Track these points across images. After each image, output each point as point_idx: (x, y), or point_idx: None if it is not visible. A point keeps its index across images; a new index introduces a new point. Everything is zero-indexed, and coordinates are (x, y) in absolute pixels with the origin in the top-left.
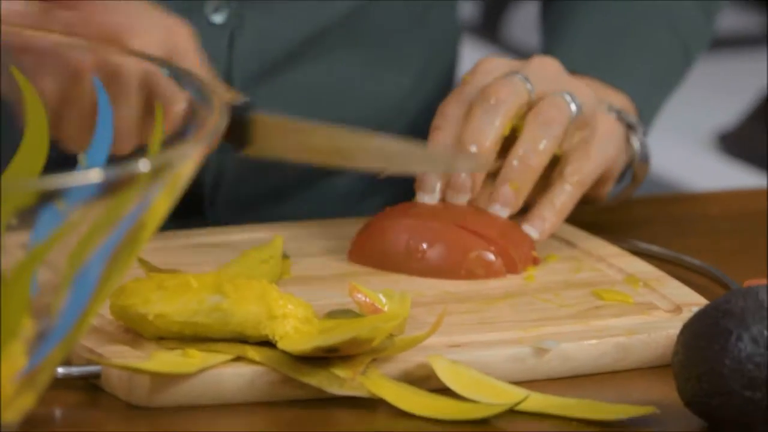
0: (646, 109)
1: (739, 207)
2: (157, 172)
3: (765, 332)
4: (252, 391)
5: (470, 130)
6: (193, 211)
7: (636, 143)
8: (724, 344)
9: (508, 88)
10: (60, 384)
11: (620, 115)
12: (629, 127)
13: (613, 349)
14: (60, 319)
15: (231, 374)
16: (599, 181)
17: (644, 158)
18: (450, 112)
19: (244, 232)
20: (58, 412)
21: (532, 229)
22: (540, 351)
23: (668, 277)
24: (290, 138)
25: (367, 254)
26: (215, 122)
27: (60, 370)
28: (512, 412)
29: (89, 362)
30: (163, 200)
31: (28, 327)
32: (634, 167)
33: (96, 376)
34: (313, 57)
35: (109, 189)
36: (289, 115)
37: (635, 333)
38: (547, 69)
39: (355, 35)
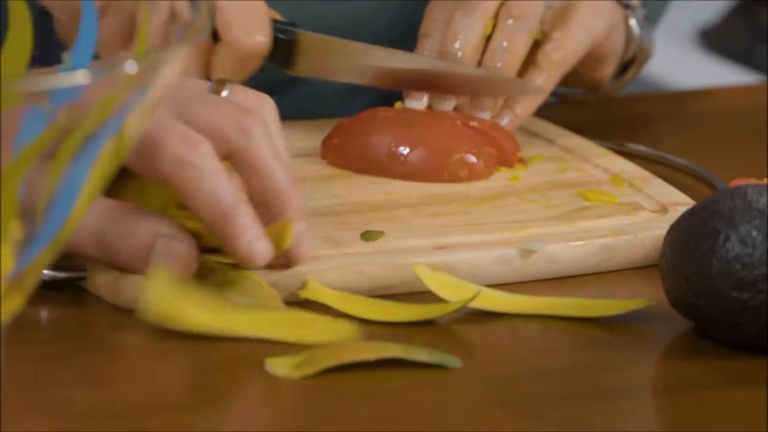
0: None
1: (723, 104)
2: (143, 73)
3: (753, 232)
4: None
5: (451, 35)
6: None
7: (634, 23)
8: (711, 244)
9: None
10: (46, 286)
11: None
12: (627, 8)
13: (599, 250)
14: (47, 222)
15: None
16: (594, 63)
17: (644, 39)
18: (436, 16)
19: None
20: (44, 315)
21: (504, 118)
22: (526, 252)
23: (653, 176)
24: (334, 58)
25: (346, 156)
26: (200, 24)
27: (46, 272)
28: (498, 315)
29: (75, 264)
30: (149, 102)
31: (15, 230)
32: (635, 50)
33: (82, 278)
34: None
35: (95, 90)
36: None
37: (621, 234)
38: None
39: None
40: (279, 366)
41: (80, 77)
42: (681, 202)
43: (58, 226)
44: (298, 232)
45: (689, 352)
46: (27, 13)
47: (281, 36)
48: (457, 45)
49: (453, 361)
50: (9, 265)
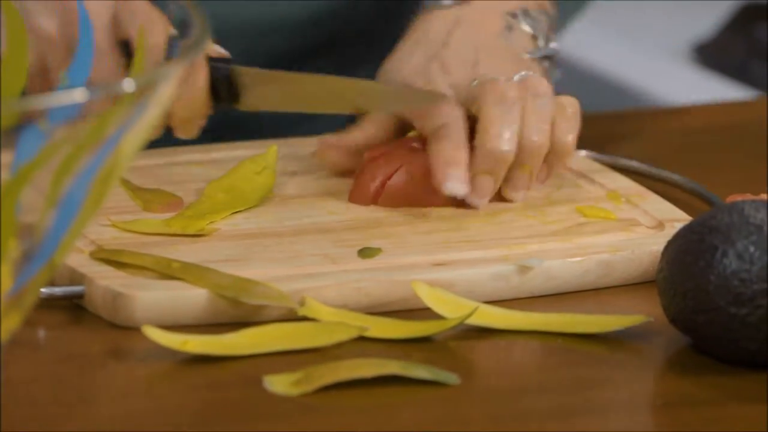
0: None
1: (718, 120)
2: (141, 92)
3: (750, 248)
4: (236, 311)
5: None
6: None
7: (546, 65)
8: (709, 260)
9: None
10: (44, 305)
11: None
12: (545, 58)
13: (596, 267)
14: (45, 240)
15: (216, 295)
16: None
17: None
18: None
19: (227, 149)
20: (42, 333)
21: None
22: (524, 269)
23: (650, 192)
24: (276, 88)
25: (393, 198)
26: (198, 42)
27: (44, 290)
28: (496, 331)
29: (72, 282)
30: (147, 120)
31: (13, 248)
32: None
33: (80, 296)
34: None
35: (93, 108)
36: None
37: (619, 250)
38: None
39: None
40: (277, 383)
41: (78, 95)
42: (678, 218)
43: (56, 244)
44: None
45: (687, 368)
46: (24, 29)
47: (218, 75)
48: (507, 137)
49: (451, 377)
50: (7, 283)
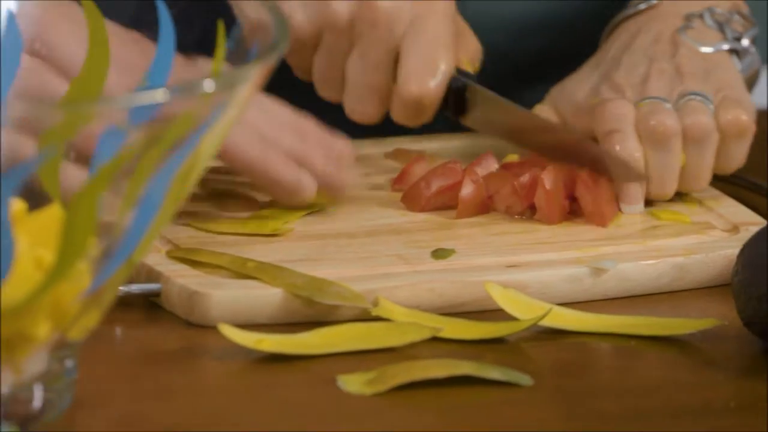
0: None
1: None
2: (220, 93)
3: None
4: (310, 311)
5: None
6: None
7: (739, 66)
8: None
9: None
10: (121, 302)
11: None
12: (735, 53)
13: (670, 269)
14: (124, 239)
15: (291, 294)
16: None
17: (752, 67)
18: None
19: None
20: (119, 330)
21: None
22: (597, 271)
23: (724, 195)
24: (498, 115)
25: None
26: (277, 44)
27: (121, 288)
28: (569, 333)
29: (149, 280)
30: (226, 121)
31: (93, 247)
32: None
33: (156, 294)
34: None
35: (173, 108)
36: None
37: (693, 253)
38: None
39: None
40: (351, 383)
41: (158, 96)
42: (753, 222)
43: (135, 243)
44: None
45: (762, 371)
46: (105, 31)
47: (453, 86)
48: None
49: (524, 379)
50: (86, 281)
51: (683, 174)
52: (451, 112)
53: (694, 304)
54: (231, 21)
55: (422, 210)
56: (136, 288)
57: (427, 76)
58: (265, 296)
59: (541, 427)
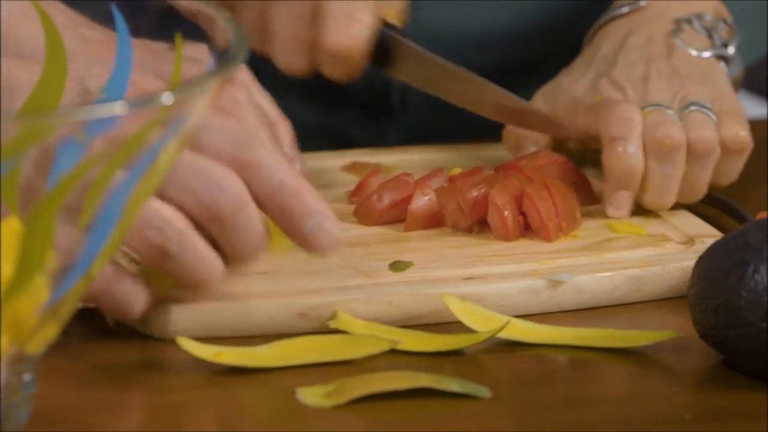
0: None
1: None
2: (179, 104)
3: None
4: (269, 323)
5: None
6: (383, 114)
7: (726, 70)
8: (741, 276)
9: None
10: (79, 315)
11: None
12: (723, 60)
13: (627, 282)
14: (83, 252)
15: (249, 307)
16: None
17: (736, 74)
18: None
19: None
20: (77, 344)
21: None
22: (554, 283)
23: (679, 208)
24: (424, 69)
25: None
26: (236, 54)
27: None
28: (527, 345)
29: None
30: (184, 134)
31: (51, 260)
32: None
33: None
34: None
35: (131, 121)
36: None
37: (649, 265)
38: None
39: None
40: (310, 395)
41: (116, 108)
42: (708, 234)
43: (93, 256)
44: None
45: (718, 383)
46: (61, 42)
47: (379, 38)
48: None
49: (482, 390)
50: (44, 294)
51: (680, 185)
52: (377, 64)
53: (651, 316)
54: (190, 34)
55: (375, 224)
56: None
57: (348, 28)
58: (224, 309)
59: None
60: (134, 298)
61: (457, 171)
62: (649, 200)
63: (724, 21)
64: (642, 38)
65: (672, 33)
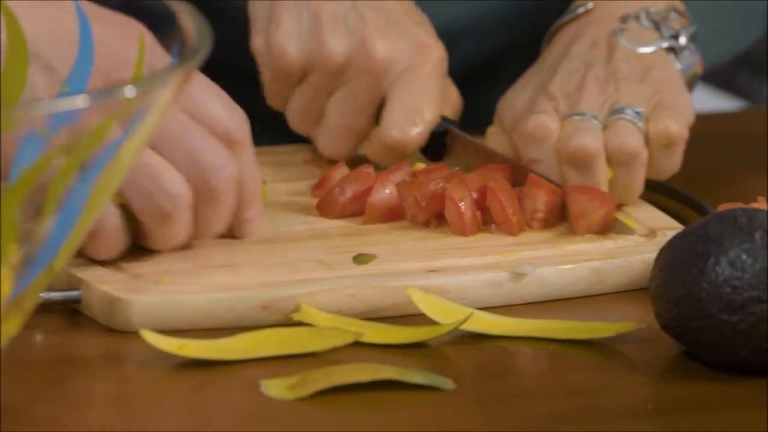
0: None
1: (708, 130)
2: (141, 98)
3: (742, 256)
4: (232, 316)
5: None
6: None
7: (678, 65)
8: (701, 268)
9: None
10: (41, 309)
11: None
12: (672, 51)
13: (589, 274)
14: (45, 246)
15: (212, 300)
16: None
17: (691, 67)
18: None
19: None
20: (39, 337)
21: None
22: (517, 275)
23: (641, 201)
24: (472, 157)
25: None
26: (197, 49)
27: (41, 295)
28: (490, 337)
29: (69, 287)
30: (147, 126)
31: (14, 253)
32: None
33: (77, 300)
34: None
35: (93, 114)
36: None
37: (611, 257)
38: (593, 91)
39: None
40: (274, 388)
41: (78, 101)
42: (669, 227)
43: (56, 249)
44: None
45: (679, 374)
46: (23, 35)
47: (435, 131)
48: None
49: (446, 382)
50: (7, 288)
51: (613, 189)
52: (431, 155)
53: (613, 308)
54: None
55: (338, 216)
56: (56, 295)
57: (410, 125)
58: (187, 302)
59: (464, 429)
60: (118, 237)
61: (420, 166)
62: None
63: (675, 10)
64: (586, 42)
65: (616, 32)
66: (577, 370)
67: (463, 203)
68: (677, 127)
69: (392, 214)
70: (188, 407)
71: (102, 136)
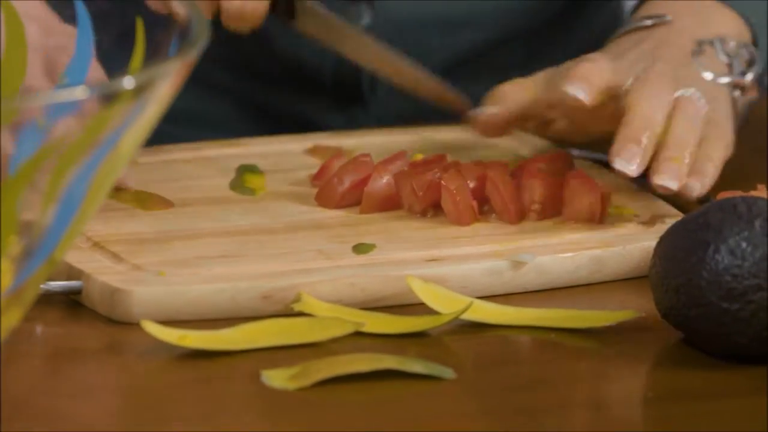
0: (764, 42)
1: None
2: (140, 89)
3: (742, 244)
4: (233, 306)
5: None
6: (353, 100)
7: (741, 101)
8: (701, 256)
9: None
10: (41, 300)
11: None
12: (737, 87)
13: (588, 262)
14: (45, 237)
15: (212, 290)
16: None
17: (752, 103)
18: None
19: (218, 147)
20: (39, 329)
21: (696, 184)
22: (516, 264)
23: (641, 190)
24: (328, 25)
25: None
26: (196, 41)
27: (42, 286)
28: (490, 326)
29: (70, 278)
30: (146, 118)
31: (14, 245)
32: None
33: (77, 291)
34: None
35: (92, 105)
36: None
37: (610, 245)
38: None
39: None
40: (275, 378)
41: (77, 93)
42: (668, 214)
43: (56, 241)
44: None
45: (679, 362)
46: (22, 29)
47: None
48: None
49: (446, 372)
50: (7, 280)
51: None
52: (281, 15)
53: (613, 297)
54: (150, 19)
55: (337, 206)
56: (57, 286)
57: None
58: (188, 292)
59: (464, 420)
60: None
61: (419, 157)
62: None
63: (746, 47)
64: (664, 46)
65: (693, 53)
66: (577, 359)
67: (459, 193)
68: (713, 168)
69: (390, 204)
70: (189, 398)
71: (101, 128)
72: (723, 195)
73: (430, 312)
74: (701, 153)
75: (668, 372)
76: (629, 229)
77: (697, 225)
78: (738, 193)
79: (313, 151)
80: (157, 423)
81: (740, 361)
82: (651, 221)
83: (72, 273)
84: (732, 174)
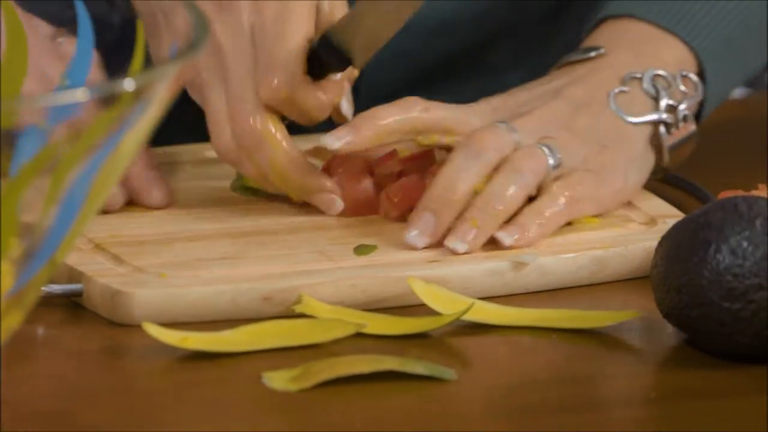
0: (713, 68)
1: (710, 117)
2: (141, 91)
3: (743, 243)
4: (234, 308)
5: (450, 174)
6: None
7: (669, 140)
8: (703, 256)
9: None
10: (42, 303)
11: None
12: (661, 123)
13: (590, 262)
14: (46, 239)
15: (213, 292)
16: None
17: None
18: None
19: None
20: (40, 331)
21: (507, 236)
22: (518, 265)
23: (642, 189)
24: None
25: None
26: (196, 43)
27: (42, 288)
28: (491, 327)
29: (71, 280)
30: (146, 119)
31: (15, 247)
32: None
33: (78, 294)
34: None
35: (93, 108)
36: None
37: (612, 246)
38: (542, 120)
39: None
40: (276, 379)
41: (78, 95)
42: (669, 214)
43: (57, 242)
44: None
45: (681, 362)
46: (23, 31)
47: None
48: (460, 188)
49: (448, 373)
50: (8, 282)
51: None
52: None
53: (614, 297)
54: None
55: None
56: (58, 288)
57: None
58: (189, 294)
59: (465, 421)
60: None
61: (406, 152)
62: None
63: (684, 76)
64: (580, 90)
65: (610, 92)
66: (579, 359)
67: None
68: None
69: (370, 209)
70: (190, 400)
71: (102, 130)
72: (724, 195)
73: (432, 313)
74: (537, 206)
75: (670, 372)
76: (631, 229)
77: (699, 225)
78: (739, 193)
79: (315, 152)
80: (158, 425)
81: (742, 360)
82: (652, 221)
83: (73, 275)
84: (732, 174)
